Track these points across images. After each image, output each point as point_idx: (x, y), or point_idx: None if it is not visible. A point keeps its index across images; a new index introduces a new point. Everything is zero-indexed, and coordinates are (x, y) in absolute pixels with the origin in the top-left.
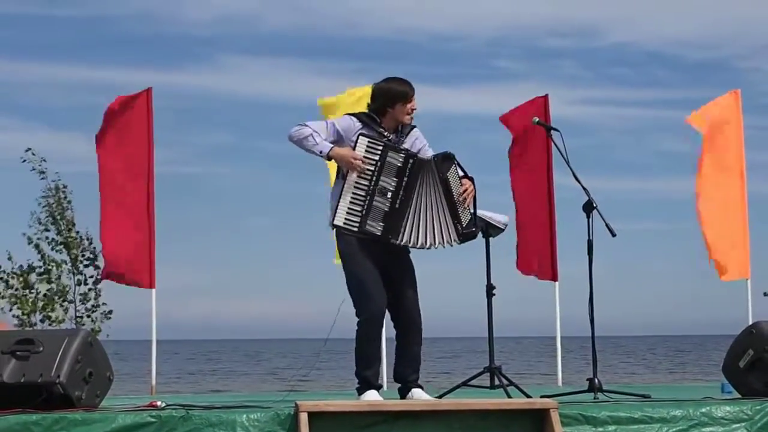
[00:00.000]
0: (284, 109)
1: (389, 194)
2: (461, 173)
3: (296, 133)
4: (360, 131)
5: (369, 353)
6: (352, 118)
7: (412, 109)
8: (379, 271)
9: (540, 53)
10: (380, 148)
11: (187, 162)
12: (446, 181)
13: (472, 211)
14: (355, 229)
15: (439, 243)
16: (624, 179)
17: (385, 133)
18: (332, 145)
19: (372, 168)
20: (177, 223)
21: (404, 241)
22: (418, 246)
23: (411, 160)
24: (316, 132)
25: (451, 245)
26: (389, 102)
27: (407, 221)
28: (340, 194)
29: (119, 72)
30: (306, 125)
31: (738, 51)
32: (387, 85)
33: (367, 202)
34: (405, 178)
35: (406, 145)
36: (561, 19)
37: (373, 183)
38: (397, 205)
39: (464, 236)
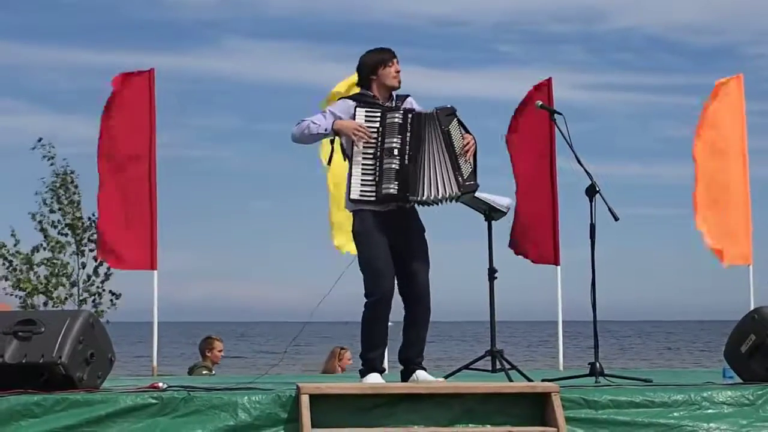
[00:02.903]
0: (288, 93)
1: (396, 151)
2: (462, 129)
3: (297, 129)
4: (356, 105)
5: (375, 335)
6: (346, 100)
7: (397, 71)
8: (392, 251)
9: (543, 38)
10: (378, 113)
11: (190, 145)
12: (448, 133)
13: (472, 164)
14: (373, 198)
15: (443, 195)
16: (627, 164)
17: (380, 102)
18: (333, 120)
19: (375, 134)
20: (179, 206)
21: (420, 196)
22: (431, 200)
23: (410, 116)
24: (314, 119)
25: (453, 197)
26: (371, 70)
27: (420, 176)
28: (351, 172)
29: (125, 55)
30: (302, 120)
31: (742, 37)
32: (365, 56)
33: (377, 167)
34: (408, 134)
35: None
36: (564, 4)
37: (379, 148)
38: (407, 162)
39: (465, 188)
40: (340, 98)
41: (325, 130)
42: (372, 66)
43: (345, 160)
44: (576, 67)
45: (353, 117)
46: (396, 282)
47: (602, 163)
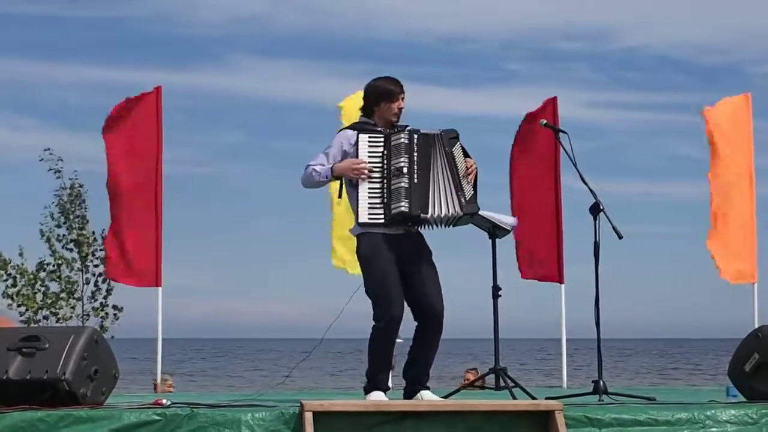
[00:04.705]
0: (295, 110)
1: (405, 169)
2: (464, 153)
3: (304, 176)
4: (358, 132)
5: (383, 357)
6: (345, 131)
7: (399, 108)
8: (401, 275)
9: (551, 56)
10: (381, 138)
11: (198, 162)
12: (452, 154)
13: (473, 188)
14: (382, 220)
15: (445, 215)
16: (633, 182)
17: (380, 129)
18: (331, 165)
19: (380, 158)
20: (186, 223)
21: (430, 213)
22: (436, 217)
23: (415, 136)
24: (317, 165)
25: (456, 216)
26: (374, 101)
27: (429, 194)
28: (357, 197)
29: (135, 72)
30: (307, 165)
31: (749, 56)
32: (374, 84)
33: (385, 188)
34: (415, 154)
35: None
36: (572, 23)
37: (385, 170)
38: (415, 180)
39: (467, 208)
40: (340, 130)
41: (326, 177)
42: (376, 98)
43: (348, 188)
44: (583, 85)
45: (356, 144)
46: (409, 308)
47: (607, 181)
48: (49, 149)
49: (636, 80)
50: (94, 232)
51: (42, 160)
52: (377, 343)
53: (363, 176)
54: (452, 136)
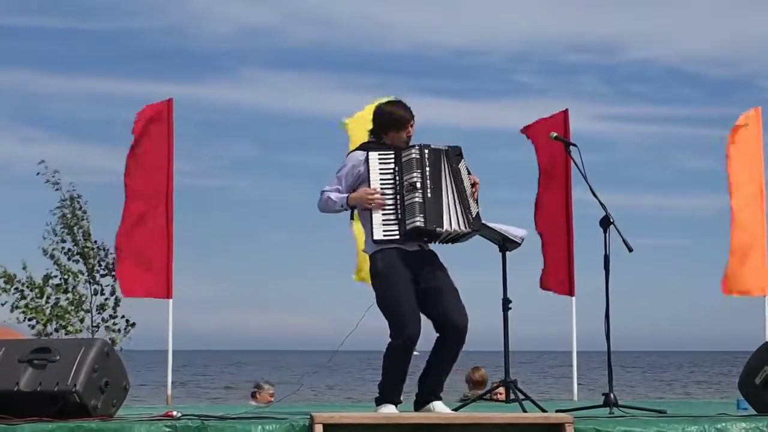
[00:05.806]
0: (305, 123)
1: (418, 184)
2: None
3: (320, 202)
4: (368, 150)
5: (398, 373)
6: (355, 152)
7: (408, 136)
8: (419, 291)
9: (561, 69)
10: (392, 154)
11: (208, 174)
12: (458, 171)
13: (477, 206)
14: (397, 236)
15: (455, 230)
16: (643, 195)
17: (389, 145)
18: (346, 195)
19: (391, 175)
20: (196, 235)
21: (446, 227)
22: (448, 231)
23: (426, 150)
24: (332, 192)
25: (465, 233)
26: (384, 128)
27: (444, 208)
28: (371, 215)
29: (143, 85)
30: (323, 191)
31: (759, 69)
32: (385, 109)
33: (399, 205)
34: (427, 169)
35: None
36: (582, 35)
37: (398, 186)
38: (429, 195)
39: (473, 225)
40: (350, 152)
41: (342, 206)
42: (386, 124)
43: (351, 219)
44: (593, 98)
45: (366, 162)
46: (431, 322)
47: (618, 193)
48: (43, 161)
49: (645, 93)
50: (96, 241)
51: (38, 174)
52: (392, 359)
53: (378, 205)
54: (457, 153)
